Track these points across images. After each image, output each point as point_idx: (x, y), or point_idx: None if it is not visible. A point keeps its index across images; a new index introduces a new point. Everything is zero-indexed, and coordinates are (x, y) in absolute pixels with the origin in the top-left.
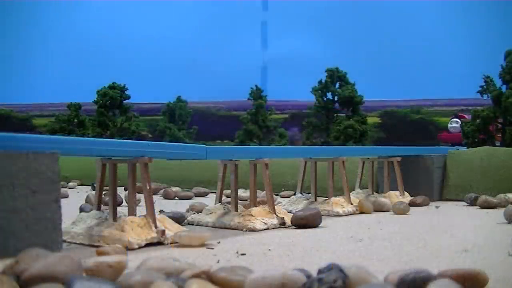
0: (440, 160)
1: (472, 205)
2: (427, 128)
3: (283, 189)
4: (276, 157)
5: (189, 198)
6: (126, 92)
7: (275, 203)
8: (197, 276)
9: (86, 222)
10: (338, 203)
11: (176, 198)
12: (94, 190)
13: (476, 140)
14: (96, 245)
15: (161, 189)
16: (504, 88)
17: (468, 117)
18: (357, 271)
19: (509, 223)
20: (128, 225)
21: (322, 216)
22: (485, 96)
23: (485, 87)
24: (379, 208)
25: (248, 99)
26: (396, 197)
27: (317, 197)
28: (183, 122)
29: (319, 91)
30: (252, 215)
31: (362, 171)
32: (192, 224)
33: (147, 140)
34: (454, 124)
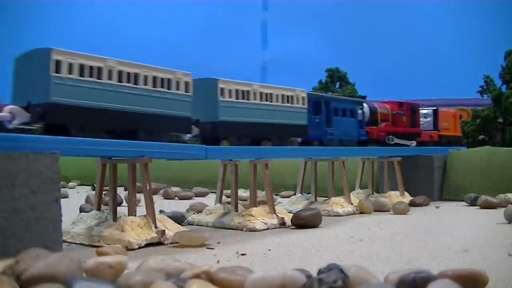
0: (440, 160)
1: (472, 205)
2: None
3: (283, 189)
4: (276, 157)
5: (189, 198)
6: None
7: (275, 203)
8: (197, 276)
9: (86, 222)
10: (338, 203)
11: (176, 198)
12: (94, 190)
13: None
14: (96, 245)
15: (161, 189)
16: (504, 88)
17: None
18: (357, 271)
19: (509, 223)
20: (128, 225)
21: (322, 216)
22: (485, 96)
23: (485, 87)
24: (379, 208)
25: None
26: (396, 197)
27: (317, 197)
28: None
29: (319, 91)
30: (252, 215)
31: (362, 171)
32: (192, 224)
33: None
34: None
